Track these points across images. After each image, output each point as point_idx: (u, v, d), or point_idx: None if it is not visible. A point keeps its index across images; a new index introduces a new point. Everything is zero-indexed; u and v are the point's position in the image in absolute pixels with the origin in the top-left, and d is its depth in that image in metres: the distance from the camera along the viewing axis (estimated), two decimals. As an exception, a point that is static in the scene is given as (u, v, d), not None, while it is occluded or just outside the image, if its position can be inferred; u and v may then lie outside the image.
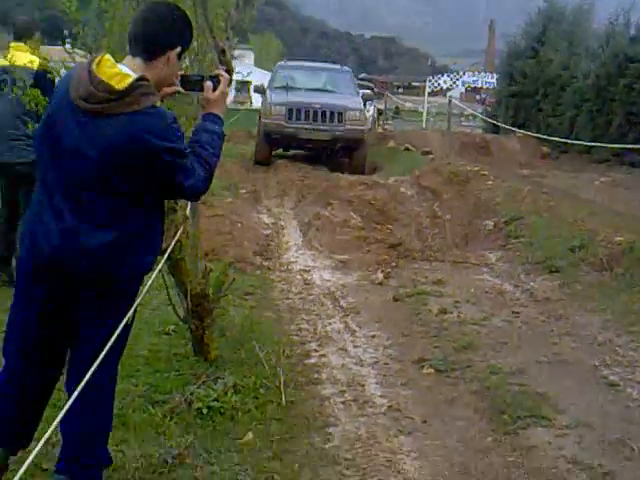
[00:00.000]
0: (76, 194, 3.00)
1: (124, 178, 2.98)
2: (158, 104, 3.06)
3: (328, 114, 16.11)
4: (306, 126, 16.03)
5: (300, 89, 17.30)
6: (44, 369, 3.28)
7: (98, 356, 2.76)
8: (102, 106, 2.94)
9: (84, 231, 2.98)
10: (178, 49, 3.15)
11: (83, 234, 2.98)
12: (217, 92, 3.37)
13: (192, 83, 3.39)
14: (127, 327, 3.14)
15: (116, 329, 2.92)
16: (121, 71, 3.00)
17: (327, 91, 17.58)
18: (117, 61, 3.07)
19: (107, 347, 2.78)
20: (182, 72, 3.42)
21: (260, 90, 18.12)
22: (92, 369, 2.64)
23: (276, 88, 17.34)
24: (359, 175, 14.45)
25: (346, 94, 17.29)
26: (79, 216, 2.99)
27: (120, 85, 2.95)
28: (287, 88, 17.07)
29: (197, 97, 3.84)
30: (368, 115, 19.08)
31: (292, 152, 17.94)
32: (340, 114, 16.11)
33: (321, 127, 16.06)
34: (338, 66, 19.64)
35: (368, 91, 19.81)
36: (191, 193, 3.26)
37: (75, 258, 3.00)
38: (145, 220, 3.13)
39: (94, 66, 3.00)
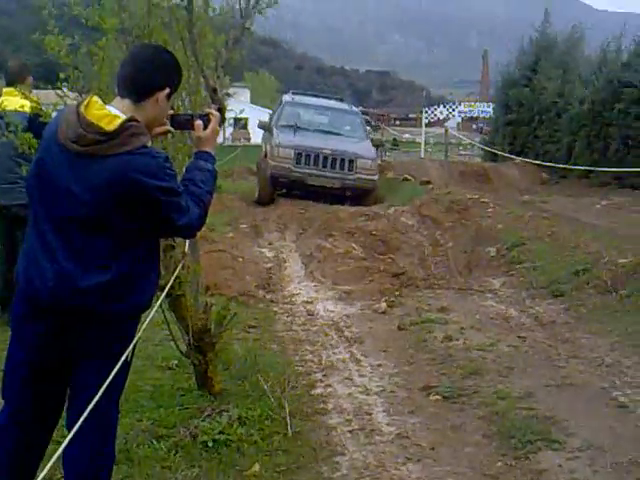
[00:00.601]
0: (68, 234, 2.97)
1: (117, 218, 2.96)
2: (149, 144, 3.05)
3: (339, 161, 15.47)
4: (315, 172, 15.36)
5: (308, 130, 16.62)
6: (44, 408, 3.21)
7: (97, 394, 2.72)
8: (92, 148, 2.92)
9: (77, 272, 2.94)
10: (167, 90, 3.14)
11: (77, 275, 2.94)
12: (208, 130, 3.36)
13: (182, 122, 3.40)
14: (126, 364, 3.10)
15: (115, 366, 2.88)
16: (110, 112, 2.99)
17: (337, 134, 16.87)
18: (106, 103, 3.06)
19: (106, 384, 2.73)
20: (172, 112, 3.42)
21: (264, 127, 17.44)
22: (90, 407, 2.59)
23: (282, 127, 16.55)
24: (359, 206, 14.33)
25: (356, 138, 16.82)
26: (72, 256, 2.96)
27: (110, 126, 2.93)
28: (295, 128, 16.33)
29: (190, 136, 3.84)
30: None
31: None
32: (351, 162, 15.49)
33: (330, 174, 15.41)
34: (347, 106, 19.03)
35: (374, 133, 19.15)
36: (186, 231, 3.26)
37: (70, 298, 2.96)
38: (140, 259, 3.09)
39: (82, 108, 2.98)
